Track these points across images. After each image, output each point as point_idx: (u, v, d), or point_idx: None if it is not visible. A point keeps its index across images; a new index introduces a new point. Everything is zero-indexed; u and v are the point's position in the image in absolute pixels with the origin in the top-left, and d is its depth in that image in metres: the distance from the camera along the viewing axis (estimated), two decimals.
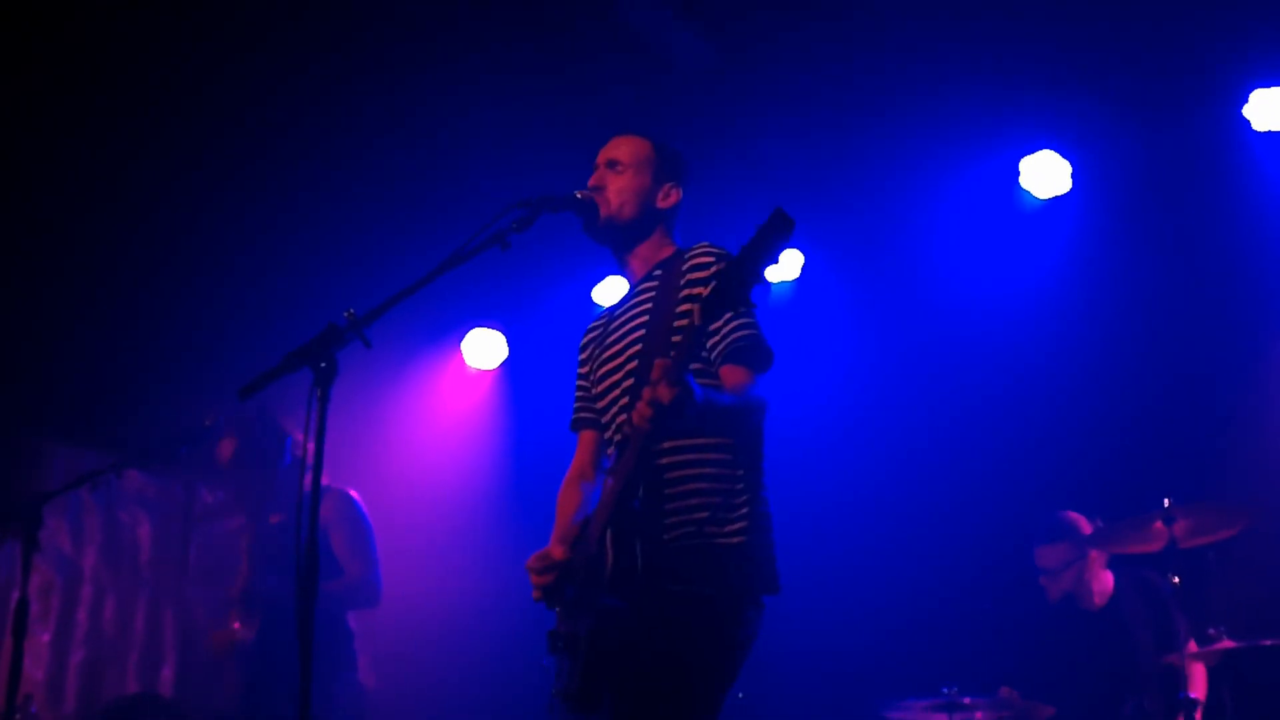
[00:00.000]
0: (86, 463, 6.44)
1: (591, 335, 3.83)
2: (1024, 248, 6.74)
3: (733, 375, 3.39)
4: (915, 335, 7.03)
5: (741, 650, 3.34)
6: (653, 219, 3.73)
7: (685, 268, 3.51)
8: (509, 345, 7.66)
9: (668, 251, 3.69)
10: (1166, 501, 5.28)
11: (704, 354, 3.43)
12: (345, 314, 3.10)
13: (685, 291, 3.47)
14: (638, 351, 3.54)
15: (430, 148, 6.57)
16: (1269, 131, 6.19)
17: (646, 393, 2.99)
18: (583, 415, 3.82)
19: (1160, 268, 6.47)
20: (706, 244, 3.57)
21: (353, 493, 5.89)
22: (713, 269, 3.44)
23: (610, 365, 3.65)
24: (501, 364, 7.72)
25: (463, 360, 7.69)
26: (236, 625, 5.77)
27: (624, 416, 3.51)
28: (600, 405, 3.71)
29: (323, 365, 3.04)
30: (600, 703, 3.21)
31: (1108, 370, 6.56)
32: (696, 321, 2.94)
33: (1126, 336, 6.54)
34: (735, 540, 3.33)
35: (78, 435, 7.03)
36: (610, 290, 7.21)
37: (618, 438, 3.56)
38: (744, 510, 3.37)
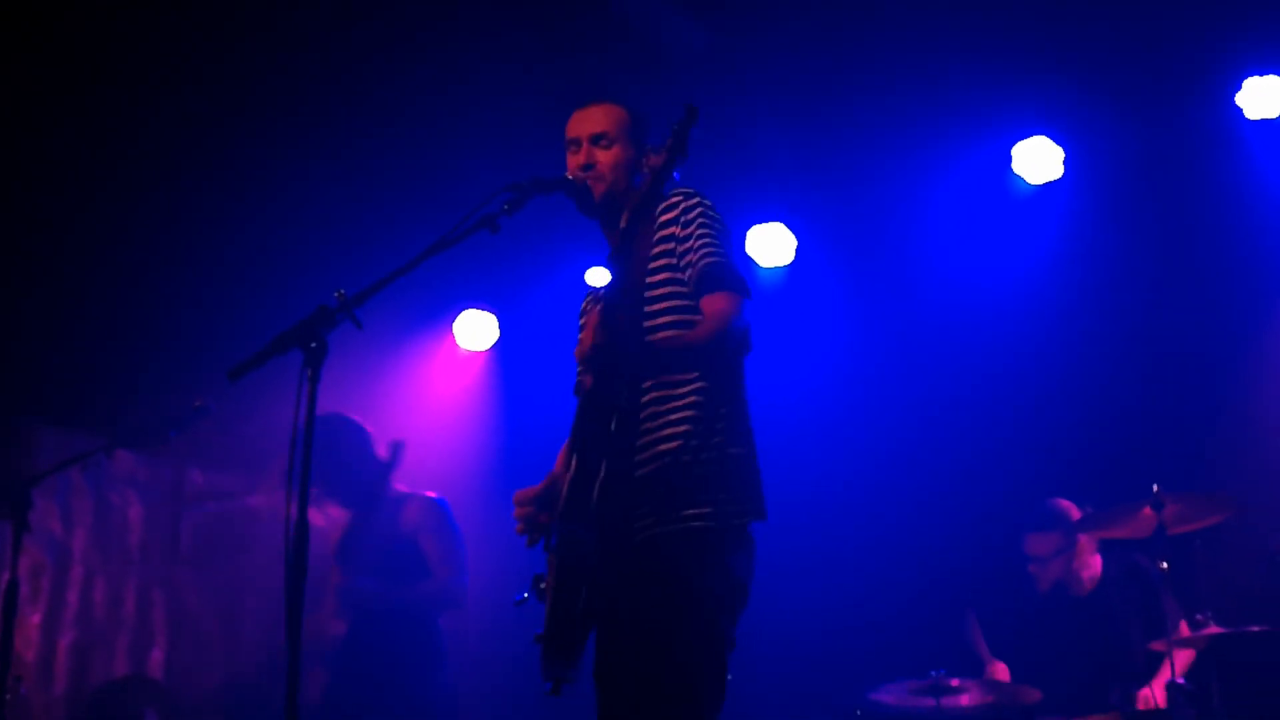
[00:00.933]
0: (76, 445, 6.40)
1: (588, 302, 3.84)
2: (1016, 234, 6.75)
3: (711, 304, 3.36)
4: (907, 320, 7.04)
5: (723, 582, 3.25)
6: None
7: (658, 211, 3.51)
8: (501, 327, 7.66)
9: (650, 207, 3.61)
10: (1155, 487, 5.29)
11: (682, 288, 3.42)
12: (336, 295, 3.09)
13: (660, 234, 3.47)
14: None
15: (421, 131, 6.55)
16: (1261, 120, 6.20)
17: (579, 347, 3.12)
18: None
19: (1152, 255, 6.49)
20: (678, 188, 3.54)
21: (438, 498, 5.94)
22: (680, 207, 3.46)
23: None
24: (493, 345, 7.72)
25: (454, 342, 7.68)
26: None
27: None
28: None
29: (313, 346, 3.04)
30: (576, 649, 3.16)
31: (1098, 356, 6.57)
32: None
33: (1117, 322, 6.56)
34: (706, 462, 3.29)
35: (67, 417, 7.01)
36: (602, 274, 7.21)
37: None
38: (718, 438, 3.32)
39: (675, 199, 3.51)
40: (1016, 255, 6.73)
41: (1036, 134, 6.52)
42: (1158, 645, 5.41)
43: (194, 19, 5.77)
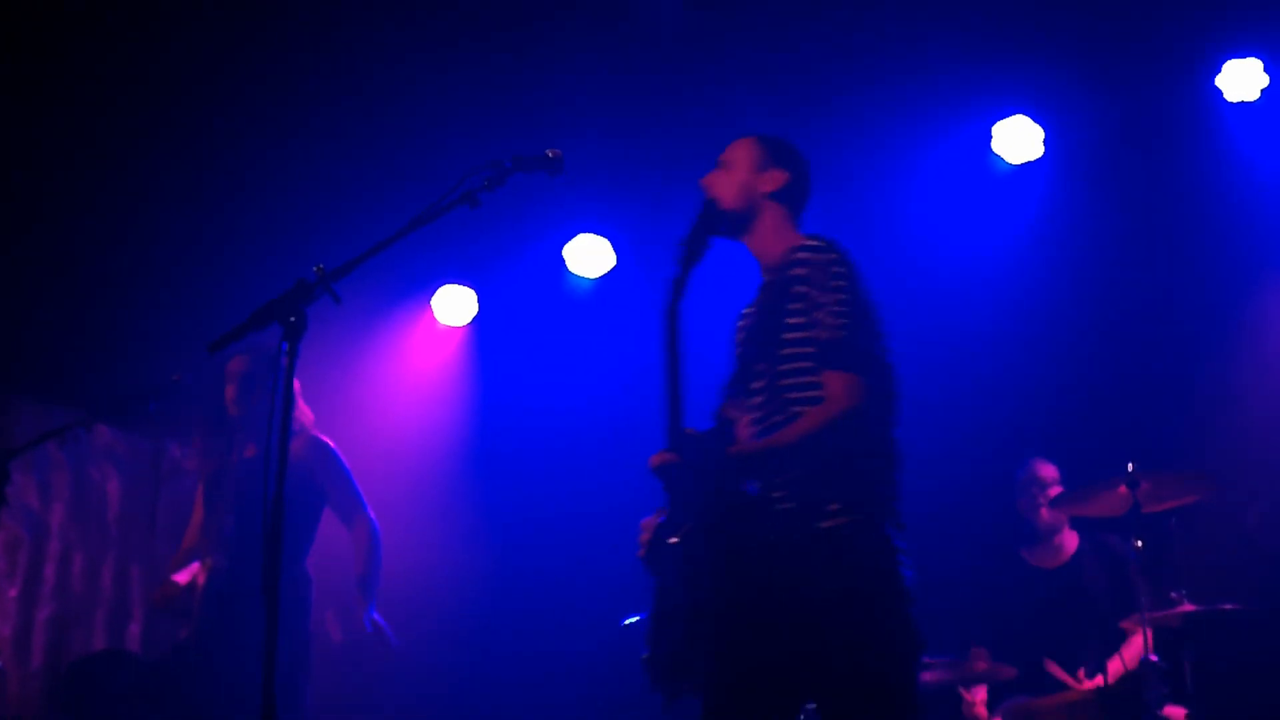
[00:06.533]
0: (54, 419, 6.41)
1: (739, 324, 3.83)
2: (995, 213, 6.76)
3: (831, 384, 3.39)
4: (885, 299, 7.02)
5: (879, 584, 3.30)
6: (759, 205, 3.72)
7: (792, 256, 3.53)
8: (479, 302, 7.66)
9: (793, 242, 3.62)
10: (1131, 466, 5.33)
11: (808, 349, 3.43)
12: (315, 269, 3.09)
13: (793, 288, 3.48)
14: (739, 348, 3.65)
15: (401, 106, 6.53)
16: (1240, 102, 6.23)
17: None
18: None
19: (1131, 235, 6.51)
20: (813, 239, 3.56)
21: (329, 440, 5.81)
22: (814, 264, 3.47)
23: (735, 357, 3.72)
24: (472, 321, 7.72)
25: (433, 317, 7.68)
26: (180, 579, 5.66)
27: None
28: None
29: (292, 320, 3.04)
30: (682, 673, 3.19)
31: (1075, 335, 6.60)
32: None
33: (1095, 302, 6.59)
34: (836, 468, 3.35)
35: (45, 391, 6.99)
36: (581, 249, 7.24)
37: None
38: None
39: (809, 251, 3.51)
40: (995, 235, 6.74)
41: (1017, 113, 6.53)
42: (1129, 623, 5.46)
43: None
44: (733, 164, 3.75)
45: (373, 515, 5.72)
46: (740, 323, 3.78)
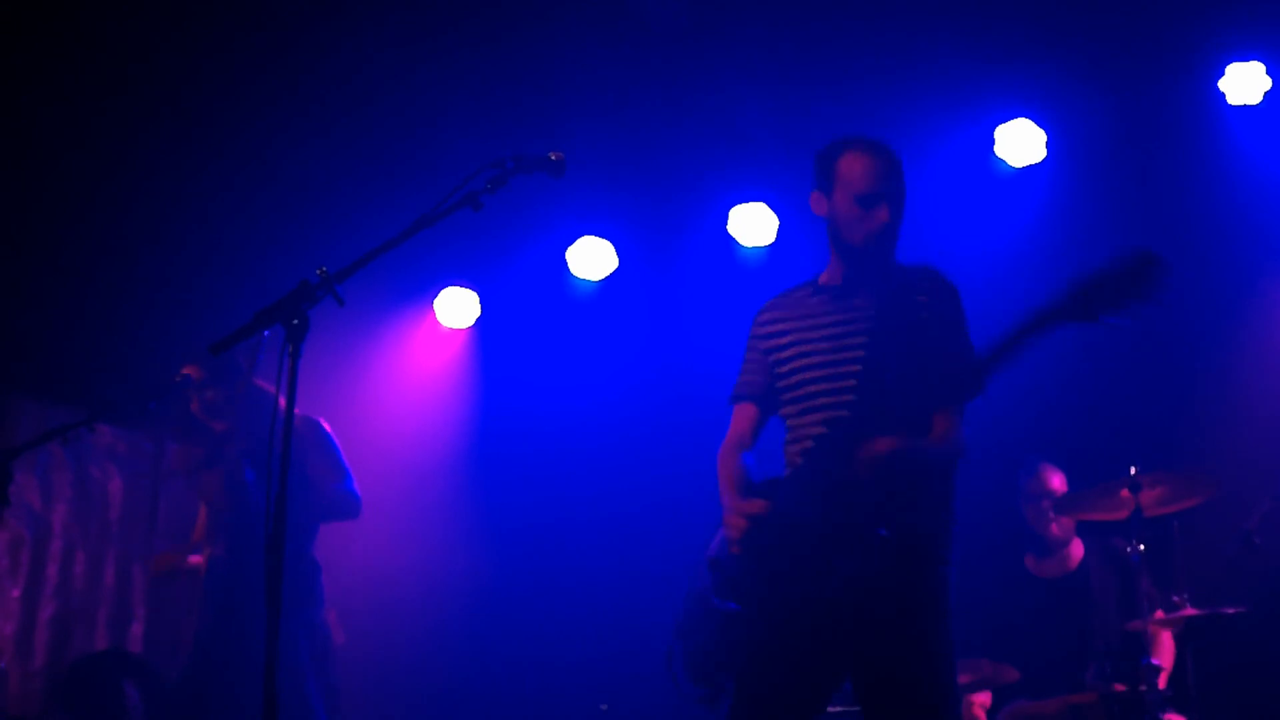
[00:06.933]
0: (55, 419, 6.39)
1: (782, 313, 3.86)
2: (998, 216, 6.76)
3: (939, 424, 3.63)
4: None
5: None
6: (831, 233, 3.88)
7: (924, 285, 3.66)
8: (482, 304, 7.66)
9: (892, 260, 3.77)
10: (1133, 469, 5.32)
11: (914, 377, 3.55)
12: (318, 271, 3.09)
13: (912, 315, 3.59)
14: (859, 359, 3.64)
15: (404, 108, 6.54)
16: (1243, 106, 6.23)
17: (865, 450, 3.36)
18: (746, 389, 3.89)
19: (1133, 239, 6.48)
20: (933, 269, 3.72)
21: (319, 419, 5.77)
22: (939, 295, 3.66)
23: (811, 350, 3.72)
24: (474, 323, 7.72)
25: (435, 319, 7.68)
26: (195, 559, 5.63)
27: (825, 415, 3.65)
28: (786, 384, 3.78)
29: (295, 322, 3.03)
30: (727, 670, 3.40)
31: (1078, 338, 6.57)
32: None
33: None
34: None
35: (46, 391, 6.99)
36: (584, 251, 7.24)
37: (813, 432, 3.68)
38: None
39: (938, 285, 3.69)
40: (998, 238, 6.74)
41: (1019, 116, 6.52)
42: (1134, 626, 5.45)
43: None
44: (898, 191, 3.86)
45: (357, 491, 5.67)
46: (796, 333, 3.79)
